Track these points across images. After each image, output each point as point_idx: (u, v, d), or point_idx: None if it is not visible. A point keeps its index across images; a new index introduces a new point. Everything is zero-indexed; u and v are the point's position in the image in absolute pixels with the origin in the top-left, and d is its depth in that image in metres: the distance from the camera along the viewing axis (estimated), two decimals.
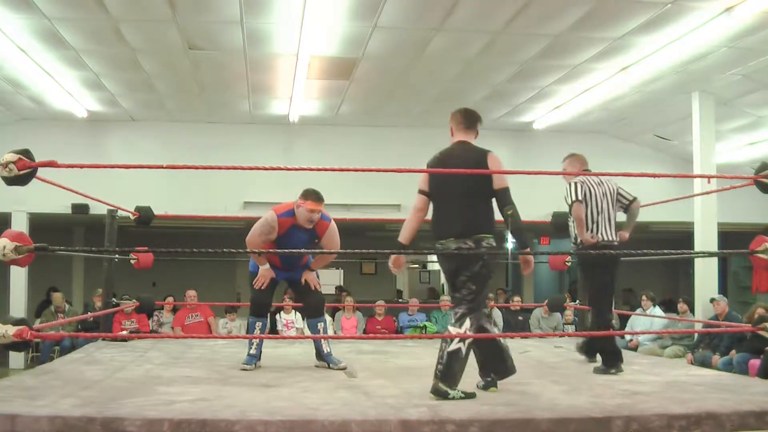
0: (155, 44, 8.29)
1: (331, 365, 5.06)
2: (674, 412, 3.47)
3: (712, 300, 9.19)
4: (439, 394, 3.80)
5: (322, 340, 5.14)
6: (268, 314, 5.44)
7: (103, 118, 11.42)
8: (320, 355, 5.18)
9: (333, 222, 5.18)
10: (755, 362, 8.13)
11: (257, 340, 5.06)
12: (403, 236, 4.25)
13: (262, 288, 5.14)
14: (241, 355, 5.24)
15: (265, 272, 5.14)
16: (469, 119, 4.27)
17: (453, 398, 3.76)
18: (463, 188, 4.06)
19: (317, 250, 5.18)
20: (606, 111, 10.91)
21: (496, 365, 4.18)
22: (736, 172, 10.43)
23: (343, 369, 4.96)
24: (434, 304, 12.62)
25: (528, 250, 4.13)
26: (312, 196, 4.99)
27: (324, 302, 5.43)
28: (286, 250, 5.00)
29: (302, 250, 5.04)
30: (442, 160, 4.18)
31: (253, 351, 5.07)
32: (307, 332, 9.96)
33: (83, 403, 3.52)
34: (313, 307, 5.31)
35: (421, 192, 4.23)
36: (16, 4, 7.02)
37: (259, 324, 5.17)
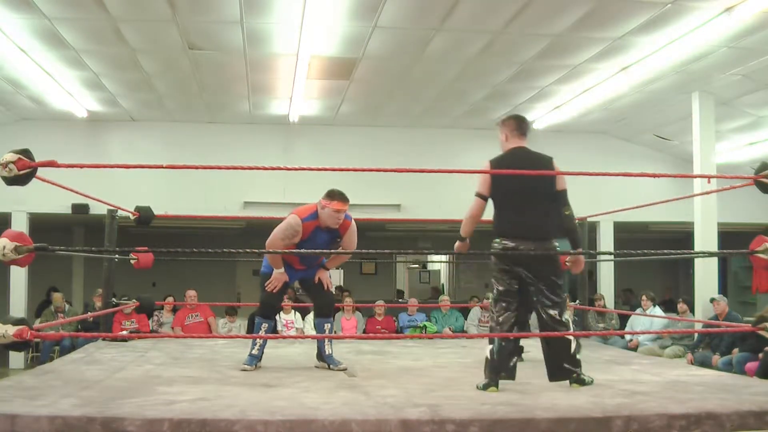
0: (155, 44, 8.29)
1: (331, 366, 5.05)
2: (674, 412, 3.47)
3: (713, 300, 9.19)
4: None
5: (325, 340, 5.11)
6: (275, 316, 5.46)
7: (103, 118, 11.42)
8: (321, 355, 5.16)
9: (353, 221, 5.16)
10: (754, 363, 8.13)
11: (260, 341, 5.03)
12: (465, 232, 4.45)
13: (275, 291, 5.11)
14: (241, 355, 5.24)
15: (279, 276, 5.08)
16: (524, 126, 4.45)
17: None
18: (534, 191, 4.26)
19: (335, 251, 5.13)
20: (606, 111, 10.91)
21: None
22: (736, 172, 10.42)
23: (343, 370, 4.95)
24: (434, 304, 12.61)
25: (580, 249, 4.43)
26: (338, 196, 4.94)
27: (335, 303, 5.43)
28: (308, 251, 4.96)
29: (323, 251, 5.03)
30: (511, 166, 4.28)
31: (255, 351, 5.03)
32: (309, 332, 10.02)
33: (83, 403, 3.52)
34: (324, 306, 5.28)
35: (480, 196, 4.32)
36: (16, 4, 7.02)
37: (265, 325, 5.11)
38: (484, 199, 4.32)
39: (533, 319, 4.65)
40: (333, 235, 5.10)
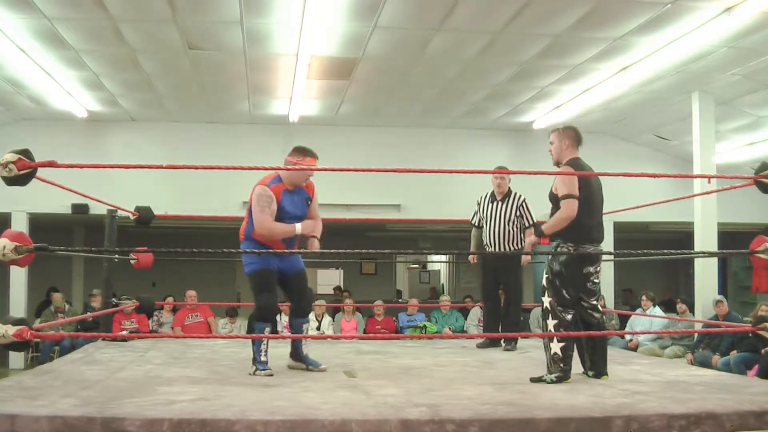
0: (155, 44, 8.29)
1: (310, 367, 4.85)
2: (674, 412, 3.47)
3: (719, 301, 9.17)
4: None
5: (302, 341, 4.90)
6: (275, 318, 5.05)
7: (103, 118, 11.42)
8: (298, 355, 4.90)
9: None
10: (754, 363, 8.13)
11: (264, 346, 4.72)
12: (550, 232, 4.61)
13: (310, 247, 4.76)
14: (241, 355, 5.23)
15: (303, 226, 4.70)
16: (581, 139, 4.76)
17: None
18: (602, 199, 4.68)
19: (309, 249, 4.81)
20: (606, 111, 10.91)
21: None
22: (736, 172, 10.42)
23: (323, 371, 4.79)
24: (434, 304, 12.61)
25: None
26: (309, 152, 4.75)
27: (313, 301, 5.21)
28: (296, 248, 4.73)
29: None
30: (585, 171, 4.56)
31: (264, 357, 4.69)
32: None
33: (83, 403, 3.52)
34: (305, 307, 5.04)
35: (575, 198, 4.44)
36: (16, 4, 7.02)
37: (267, 329, 4.74)
38: (578, 199, 4.45)
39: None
40: (303, 197, 4.86)
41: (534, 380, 4.38)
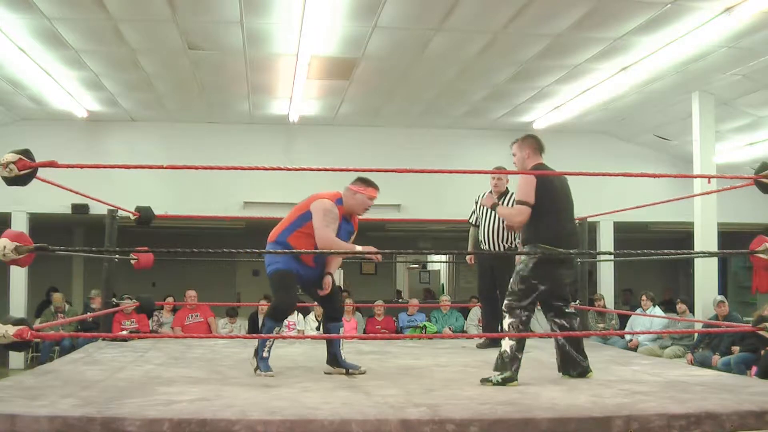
0: (155, 44, 8.29)
1: (350, 370, 4.76)
2: (674, 412, 3.47)
3: (721, 302, 9.16)
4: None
5: (339, 346, 4.83)
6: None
7: (103, 118, 11.42)
8: (337, 361, 4.81)
9: None
10: (754, 363, 8.13)
11: (269, 344, 4.66)
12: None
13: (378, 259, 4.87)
14: (241, 355, 5.23)
15: (364, 249, 4.62)
16: (543, 145, 4.74)
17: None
18: (572, 204, 4.66)
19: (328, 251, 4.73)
20: (606, 111, 10.91)
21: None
22: (736, 172, 10.43)
23: (363, 373, 4.74)
24: (433, 304, 12.61)
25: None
26: (373, 184, 4.81)
27: (344, 305, 5.20)
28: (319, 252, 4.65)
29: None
30: (553, 178, 4.51)
31: (266, 354, 4.64)
32: (309, 332, 10.02)
33: (83, 403, 3.52)
34: (337, 310, 4.95)
35: (527, 205, 4.42)
36: (16, 4, 7.02)
37: (277, 328, 4.67)
38: (529, 207, 4.43)
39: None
40: (349, 230, 4.88)
41: (483, 381, 4.29)
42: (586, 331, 7.80)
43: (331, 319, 4.98)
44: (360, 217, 4.96)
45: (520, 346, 4.36)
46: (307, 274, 4.80)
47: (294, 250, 4.63)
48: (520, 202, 4.45)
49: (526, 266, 4.45)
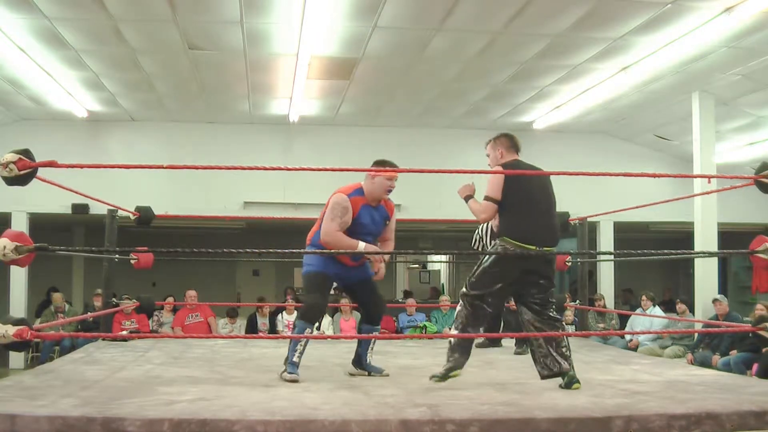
0: (155, 44, 8.29)
1: (372, 374, 4.73)
2: (674, 412, 3.47)
3: (715, 300, 9.18)
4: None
5: (368, 348, 4.78)
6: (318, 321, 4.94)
7: (103, 118, 11.42)
8: (361, 363, 4.78)
9: None
10: (755, 362, 8.13)
11: (300, 347, 4.51)
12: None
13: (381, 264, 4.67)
14: (241, 355, 5.23)
15: (367, 248, 4.52)
16: (517, 143, 4.64)
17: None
18: (551, 198, 4.52)
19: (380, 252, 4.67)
20: (606, 111, 10.91)
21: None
22: (736, 172, 10.43)
23: (386, 376, 4.71)
24: (434, 304, 12.60)
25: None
26: (388, 163, 4.66)
27: (386, 310, 5.02)
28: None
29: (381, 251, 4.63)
30: (523, 175, 4.41)
31: (296, 359, 4.49)
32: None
33: (83, 403, 3.52)
34: (377, 314, 4.85)
35: (492, 201, 4.35)
36: (16, 4, 7.02)
37: (308, 330, 4.56)
38: (495, 203, 4.36)
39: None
40: (382, 215, 4.75)
41: (433, 377, 4.27)
42: (586, 331, 7.81)
43: (368, 321, 4.91)
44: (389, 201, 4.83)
45: (462, 340, 4.29)
46: (347, 274, 4.75)
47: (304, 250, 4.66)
48: (486, 198, 4.36)
49: (488, 259, 4.39)
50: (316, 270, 4.67)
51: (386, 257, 4.77)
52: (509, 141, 4.61)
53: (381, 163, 4.67)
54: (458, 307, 4.43)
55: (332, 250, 4.52)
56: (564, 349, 4.27)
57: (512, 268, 4.33)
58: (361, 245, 4.51)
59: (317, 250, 4.59)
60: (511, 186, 4.33)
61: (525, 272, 4.35)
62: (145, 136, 11.74)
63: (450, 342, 4.36)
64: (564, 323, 4.53)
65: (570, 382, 4.18)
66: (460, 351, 4.32)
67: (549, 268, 4.47)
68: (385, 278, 4.96)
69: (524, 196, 4.37)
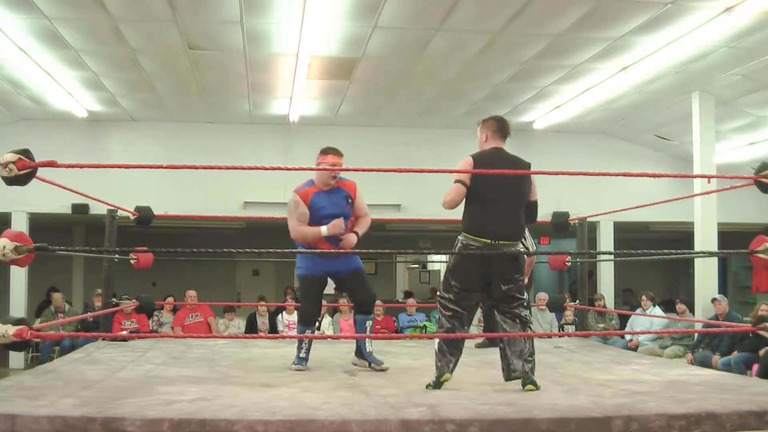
0: (155, 44, 8.29)
1: (373, 365, 4.87)
2: (674, 412, 3.47)
3: (714, 300, 9.18)
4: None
5: (366, 338, 4.93)
6: (317, 322, 5.24)
7: (103, 118, 11.42)
8: (361, 353, 4.97)
9: None
10: (755, 362, 8.13)
11: (306, 344, 4.91)
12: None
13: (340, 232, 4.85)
14: (241, 355, 5.23)
15: (331, 228, 4.80)
16: (505, 128, 4.42)
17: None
18: (517, 194, 4.28)
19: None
20: (606, 111, 10.91)
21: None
22: (736, 172, 10.42)
23: (385, 370, 4.82)
24: (433, 304, 12.60)
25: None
26: (331, 150, 4.95)
27: (375, 298, 5.22)
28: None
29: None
30: (493, 164, 4.24)
31: (303, 354, 4.92)
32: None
33: (83, 403, 3.52)
34: (366, 302, 5.03)
35: (461, 183, 4.26)
36: (16, 4, 7.02)
37: (308, 332, 4.99)
38: (466, 187, 4.26)
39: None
40: (342, 196, 4.98)
41: (428, 386, 4.19)
42: (586, 331, 7.80)
43: (359, 311, 5.09)
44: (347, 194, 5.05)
45: (448, 342, 4.23)
46: (335, 267, 4.98)
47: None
48: (455, 181, 4.27)
49: (450, 258, 4.34)
50: (304, 273, 5.02)
51: (361, 230, 5.06)
52: (497, 125, 4.40)
53: (324, 151, 4.98)
54: (439, 315, 4.39)
55: (307, 244, 4.89)
56: (521, 351, 4.14)
57: (470, 264, 4.23)
58: (323, 229, 4.83)
59: (306, 250, 4.92)
60: (478, 176, 4.22)
61: (485, 268, 4.22)
62: (145, 136, 11.75)
63: (435, 348, 4.31)
64: (531, 324, 4.37)
65: (524, 384, 4.10)
66: (442, 354, 4.23)
67: (510, 264, 4.24)
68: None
69: (487, 189, 4.22)
